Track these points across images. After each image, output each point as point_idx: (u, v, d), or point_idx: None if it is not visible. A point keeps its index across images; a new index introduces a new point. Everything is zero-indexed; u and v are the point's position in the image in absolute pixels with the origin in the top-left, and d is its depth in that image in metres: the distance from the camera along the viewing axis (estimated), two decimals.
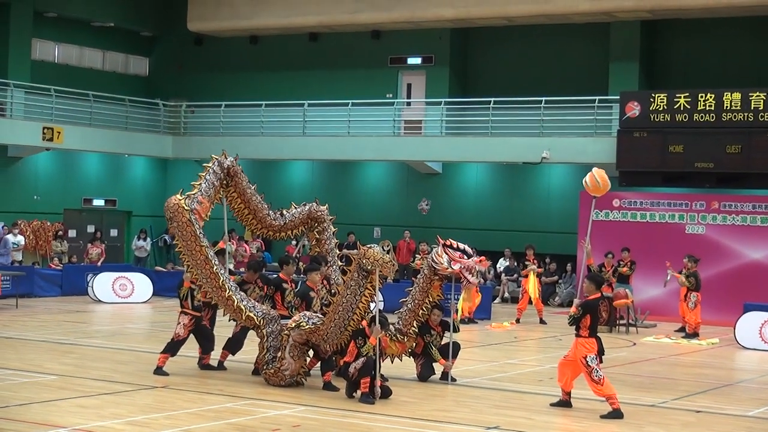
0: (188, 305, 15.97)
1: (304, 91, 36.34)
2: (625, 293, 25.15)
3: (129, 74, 39.58)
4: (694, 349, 22.36)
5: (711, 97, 27.98)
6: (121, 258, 36.27)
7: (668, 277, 24.98)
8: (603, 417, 13.62)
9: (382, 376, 14.47)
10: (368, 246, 14.55)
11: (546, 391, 15.20)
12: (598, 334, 14.10)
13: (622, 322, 25.30)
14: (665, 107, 28.52)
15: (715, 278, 27.07)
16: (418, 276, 15.81)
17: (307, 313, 14.93)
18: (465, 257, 15.29)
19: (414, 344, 15.77)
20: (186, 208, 15.12)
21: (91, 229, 35.46)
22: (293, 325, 14.78)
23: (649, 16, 31.57)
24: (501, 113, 32.21)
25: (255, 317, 15.32)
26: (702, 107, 28.04)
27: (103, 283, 28.36)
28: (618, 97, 29.71)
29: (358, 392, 14.10)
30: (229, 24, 36.92)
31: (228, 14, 36.68)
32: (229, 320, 15.99)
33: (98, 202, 36.13)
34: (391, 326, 15.33)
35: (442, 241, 15.49)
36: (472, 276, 15.47)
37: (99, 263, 31.17)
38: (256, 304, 15.59)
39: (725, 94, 27.86)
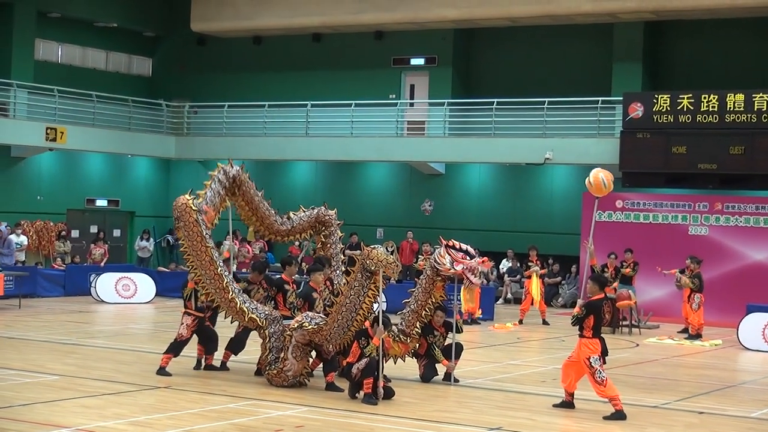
0: (191, 306, 15.97)
1: (307, 92, 36.33)
2: (628, 294, 25.12)
3: (132, 74, 39.60)
4: (697, 350, 22.35)
5: (714, 98, 27.96)
6: (124, 258, 36.29)
7: (677, 279, 24.71)
8: (606, 418, 13.62)
9: (385, 376, 14.47)
10: (372, 246, 14.55)
11: (548, 392, 15.19)
12: (602, 335, 14.10)
13: (625, 323, 25.29)
14: (668, 108, 28.49)
15: (718, 279, 27.06)
16: (421, 277, 15.81)
17: (310, 313, 14.93)
18: (467, 258, 15.29)
19: (417, 345, 15.78)
20: (194, 208, 15.09)
21: (94, 229, 35.45)
22: (296, 325, 14.78)
23: (652, 17, 31.55)
24: (504, 114, 32.19)
25: (258, 318, 15.32)
26: (705, 108, 28.01)
27: (106, 284, 28.38)
28: (621, 98, 29.69)
29: (361, 393, 14.09)
30: (232, 24, 36.93)
31: (231, 14, 36.68)
32: (231, 322, 15.99)
33: (101, 203, 36.15)
34: (394, 327, 15.34)
35: (444, 242, 15.49)
36: (475, 277, 15.46)
37: (102, 263, 31.18)
38: (259, 305, 15.58)
39: (728, 95, 27.84)
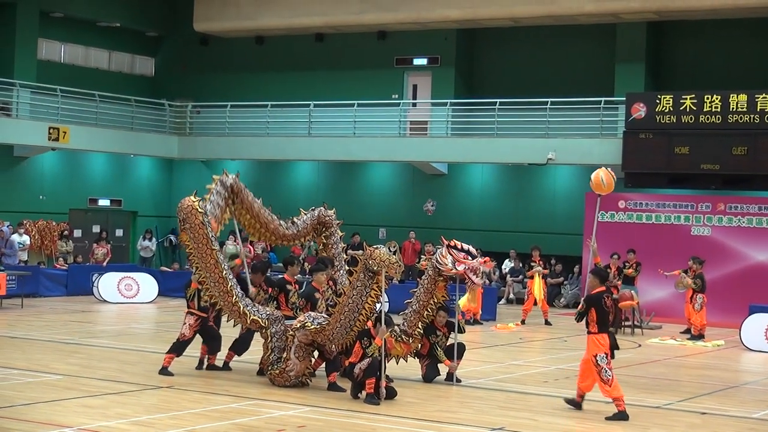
0: (194, 306, 15.98)
1: (309, 92, 36.34)
2: (631, 295, 25.04)
3: (135, 74, 39.62)
4: (699, 350, 22.34)
5: (717, 98, 27.94)
6: (127, 258, 36.30)
7: (680, 280, 24.68)
8: (608, 419, 13.60)
9: (387, 376, 14.47)
10: (374, 247, 14.55)
11: (551, 393, 15.19)
12: (610, 330, 14.02)
13: (627, 323, 25.29)
14: (671, 109, 28.48)
15: (721, 280, 27.05)
16: (423, 277, 15.81)
17: (312, 313, 14.93)
18: (469, 258, 15.29)
19: (419, 345, 15.78)
20: (200, 210, 15.08)
21: (96, 229, 35.47)
22: (298, 325, 14.78)
23: (655, 17, 31.54)
24: (507, 114, 32.19)
25: (260, 320, 15.33)
26: (708, 109, 28.00)
27: (108, 283, 28.39)
28: (624, 99, 29.69)
29: (363, 393, 14.10)
30: (234, 24, 36.94)
31: (233, 14, 36.70)
32: (234, 325, 16.00)
33: (104, 202, 36.16)
34: (396, 327, 15.34)
35: (446, 242, 15.49)
36: (477, 277, 15.46)
37: (104, 263, 31.19)
38: (261, 307, 15.59)
39: (731, 95, 27.82)
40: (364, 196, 35.48)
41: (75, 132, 33.10)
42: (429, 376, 15.98)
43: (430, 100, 35.38)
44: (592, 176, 15.06)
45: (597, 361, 13.70)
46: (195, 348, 16.41)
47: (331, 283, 16.26)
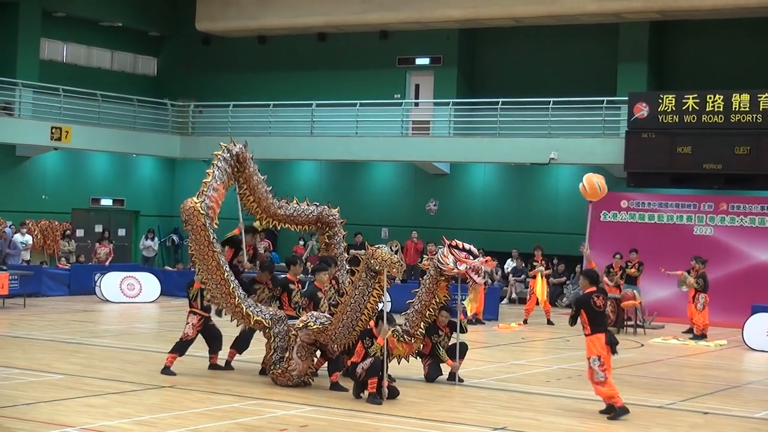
0: (197, 305, 15.97)
1: (311, 92, 36.35)
2: (633, 294, 25.12)
3: (137, 74, 39.64)
4: (701, 350, 22.33)
5: (719, 98, 27.93)
6: (129, 258, 36.32)
7: (683, 279, 24.65)
8: (610, 418, 13.59)
9: (389, 376, 14.46)
10: (376, 246, 14.53)
11: (553, 392, 15.18)
12: (608, 328, 14.00)
13: (629, 323, 25.27)
14: (673, 108, 28.47)
15: (723, 280, 27.03)
16: (425, 277, 15.80)
17: (315, 313, 14.92)
18: (471, 258, 15.28)
19: (421, 345, 15.77)
20: (201, 212, 15.00)
21: (98, 228, 35.50)
22: (301, 325, 14.78)
23: (657, 17, 31.53)
24: (509, 114, 32.18)
25: (264, 320, 15.32)
26: (710, 108, 27.98)
27: (110, 283, 28.39)
28: (626, 98, 29.67)
29: (366, 392, 14.09)
30: (237, 24, 36.96)
31: (236, 14, 36.71)
32: (237, 325, 15.99)
33: (106, 202, 36.18)
34: (398, 327, 15.33)
35: (447, 242, 15.48)
36: (479, 276, 15.46)
37: (107, 263, 31.19)
38: (263, 307, 15.57)
39: (734, 95, 27.81)
40: (367, 195, 35.49)
41: (77, 132, 33.12)
42: (431, 375, 15.98)
43: (433, 99, 35.38)
44: (585, 183, 15.01)
45: (590, 363, 13.68)
46: (197, 348, 16.40)
47: (333, 282, 16.26)
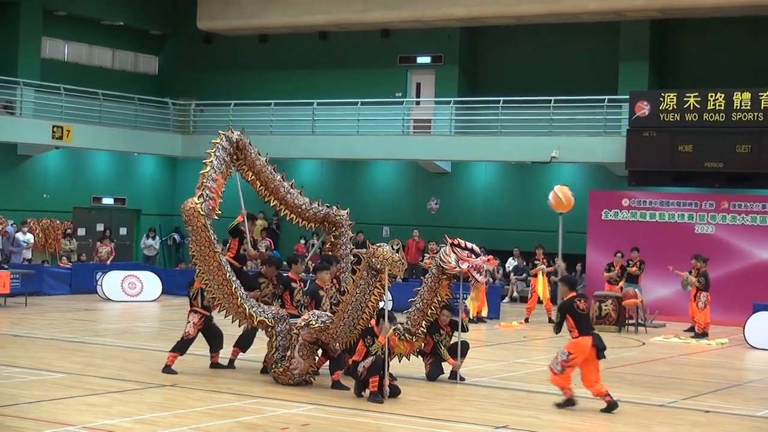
0: (198, 304, 15.96)
1: (313, 90, 36.34)
2: (634, 293, 25.12)
3: (138, 73, 39.65)
4: (703, 349, 22.33)
5: (721, 96, 27.93)
6: (130, 256, 36.32)
7: (685, 279, 24.60)
8: (558, 405, 13.89)
9: (390, 375, 14.46)
10: (377, 245, 14.52)
11: (554, 391, 15.16)
12: (596, 332, 14.13)
13: (631, 321, 25.27)
14: (675, 107, 28.47)
15: (725, 278, 27.01)
16: (427, 275, 15.80)
17: (317, 311, 14.92)
18: (473, 256, 15.28)
19: (423, 344, 15.77)
20: (202, 212, 14.98)
21: (100, 227, 35.52)
22: (303, 323, 14.78)
23: (659, 15, 31.51)
24: (510, 112, 32.18)
25: (266, 320, 15.29)
26: (712, 107, 27.98)
27: (112, 282, 28.41)
28: (627, 97, 29.66)
29: (367, 391, 14.09)
30: (238, 23, 36.96)
31: (237, 13, 36.71)
32: (239, 325, 15.98)
33: (107, 201, 36.20)
34: (400, 326, 15.33)
35: (449, 241, 15.48)
36: (480, 275, 15.46)
37: (108, 262, 31.22)
38: (265, 307, 15.55)
39: (735, 93, 27.81)
40: (368, 194, 35.48)
41: (78, 130, 33.14)
42: (433, 374, 15.98)
43: (434, 98, 35.38)
44: (559, 194, 15.60)
45: (558, 353, 13.96)
46: (198, 346, 16.40)
47: (335, 281, 16.26)
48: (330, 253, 17.07)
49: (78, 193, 35.05)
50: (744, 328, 22.84)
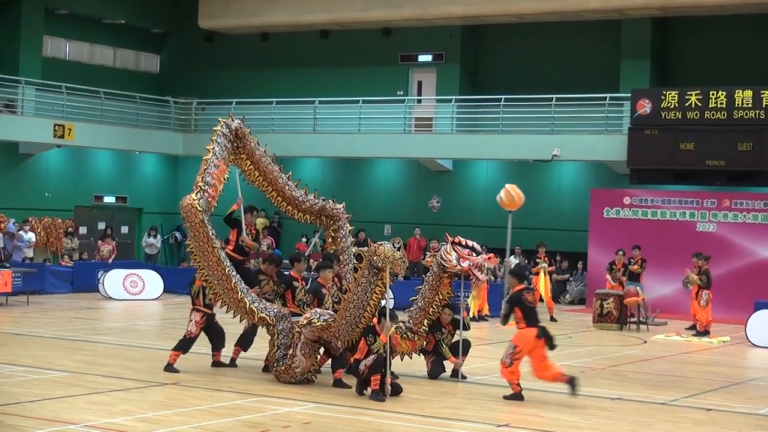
0: (200, 302, 15.97)
1: (314, 89, 36.34)
2: (636, 291, 25.12)
3: (140, 71, 39.65)
4: (704, 347, 22.32)
5: (722, 94, 27.93)
6: (132, 255, 36.34)
7: (687, 277, 24.51)
8: (506, 398, 14.27)
9: (392, 373, 14.46)
10: (379, 243, 14.53)
11: (555, 389, 15.17)
12: (541, 325, 14.41)
13: (632, 320, 25.28)
14: (676, 105, 28.47)
15: (726, 276, 27.03)
16: (428, 274, 15.80)
17: (319, 310, 14.93)
18: (474, 254, 15.28)
19: (424, 342, 15.77)
20: (199, 209, 14.98)
21: (101, 226, 35.53)
22: (305, 322, 14.78)
23: (660, 13, 31.50)
24: (512, 111, 32.18)
25: (268, 317, 15.29)
26: (713, 105, 27.98)
27: (113, 280, 28.43)
28: (629, 95, 29.67)
29: (369, 389, 14.10)
30: (239, 21, 36.96)
31: (238, 11, 36.71)
32: (240, 321, 15.98)
33: (109, 199, 36.21)
34: (401, 324, 15.33)
35: (450, 239, 15.48)
36: (481, 273, 15.45)
37: (110, 260, 31.23)
38: (267, 304, 15.55)
39: (737, 91, 27.81)
40: (369, 192, 35.48)
41: (80, 129, 33.15)
42: (434, 372, 15.98)
43: (435, 96, 35.38)
44: (503, 194, 15.94)
45: (507, 347, 14.33)
46: (200, 345, 16.41)
47: (336, 279, 16.26)
48: (332, 247, 17.06)
49: (79, 192, 35.06)
50: (745, 326, 22.83)
